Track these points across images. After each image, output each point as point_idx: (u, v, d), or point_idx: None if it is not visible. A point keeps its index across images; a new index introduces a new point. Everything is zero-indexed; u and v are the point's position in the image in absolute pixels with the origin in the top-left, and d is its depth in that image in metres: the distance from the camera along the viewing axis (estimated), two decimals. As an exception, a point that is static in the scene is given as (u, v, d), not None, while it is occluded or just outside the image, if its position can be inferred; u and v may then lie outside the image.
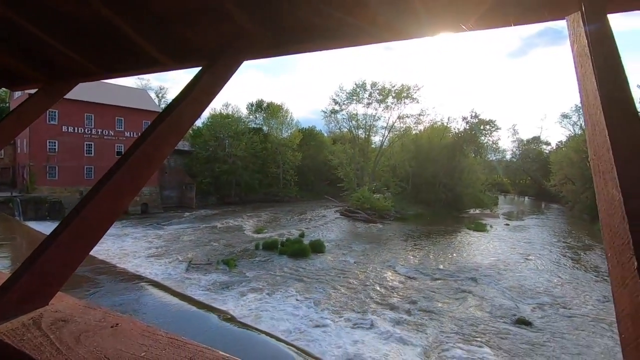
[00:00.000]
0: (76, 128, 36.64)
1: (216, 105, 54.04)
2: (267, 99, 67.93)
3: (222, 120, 49.34)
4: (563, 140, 66.10)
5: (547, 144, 78.14)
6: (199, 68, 1.42)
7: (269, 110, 56.53)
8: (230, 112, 52.40)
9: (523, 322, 14.36)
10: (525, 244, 29.58)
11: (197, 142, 47.74)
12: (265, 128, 56.04)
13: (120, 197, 1.08)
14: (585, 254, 26.49)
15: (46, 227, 22.60)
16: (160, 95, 66.33)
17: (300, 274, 19.27)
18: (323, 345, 11.80)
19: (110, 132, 39.00)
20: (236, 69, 1.44)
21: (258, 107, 57.89)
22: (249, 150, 49.09)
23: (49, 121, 34.53)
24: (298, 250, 22.97)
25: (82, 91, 34.44)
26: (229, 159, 47.07)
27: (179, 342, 0.80)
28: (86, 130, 37.43)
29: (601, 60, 0.72)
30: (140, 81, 62.38)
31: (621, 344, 0.50)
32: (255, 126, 55.64)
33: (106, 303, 12.24)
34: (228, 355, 0.75)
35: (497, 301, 16.64)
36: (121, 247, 23.69)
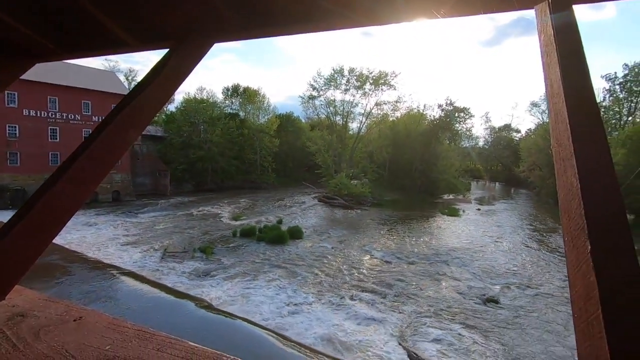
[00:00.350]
0: (39, 112, 34.50)
1: (190, 89, 52.36)
2: (244, 83, 66.47)
3: (197, 105, 47.85)
4: (532, 128, 68.65)
5: (518, 131, 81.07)
6: (167, 50, 1.36)
7: (245, 95, 55.22)
8: (205, 97, 50.90)
9: (492, 301, 15.15)
10: (495, 228, 30.91)
11: (170, 127, 46.20)
12: (241, 113, 54.85)
13: (83, 184, 1.02)
14: (550, 236, 28.03)
15: (8, 217, 21.48)
16: (130, 78, 63.25)
17: (278, 260, 19.35)
18: (301, 329, 12.01)
19: (77, 116, 37.01)
20: (206, 52, 1.39)
21: (234, 91, 56.45)
22: (225, 136, 48.03)
23: (8, 104, 32.31)
24: (276, 236, 22.98)
25: (44, 72, 32.34)
26: (205, 145, 45.96)
27: (146, 334, 0.78)
28: (50, 114, 35.31)
29: (565, 50, 0.74)
30: (107, 63, 59.13)
31: (574, 323, 0.53)
32: (231, 111, 54.35)
33: (76, 294, 11.87)
34: (197, 345, 0.73)
35: (468, 282, 17.41)
36: (92, 236, 22.90)
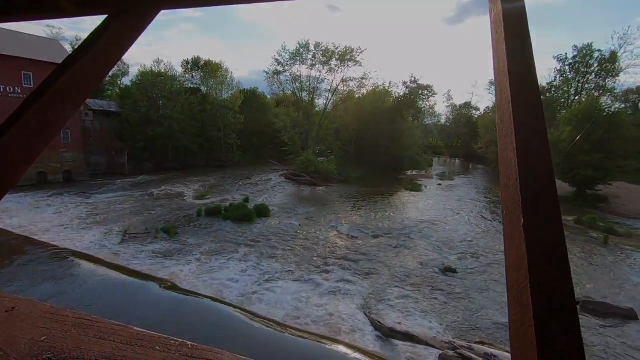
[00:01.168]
0: (-31, 83, 30.92)
1: (146, 61, 49.01)
2: (204, 56, 63.24)
3: (154, 79, 44.93)
4: (490, 106, 71.68)
5: (477, 109, 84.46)
6: (106, 16, 1.23)
7: (206, 68, 52.57)
8: (162, 70, 47.86)
9: (449, 270, 16.19)
10: (454, 201, 32.58)
11: (125, 102, 43.23)
12: (203, 88, 52.39)
13: (10, 165, 0.92)
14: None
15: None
16: (76, 46, 57.84)
17: (245, 239, 19.28)
18: (270, 304, 12.20)
19: (16, 88, 33.54)
20: (151, 19, 1.28)
21: (194, 64, 53.50)
22: (186, 112, 45.80)
23: None
24: (242, 214, 22.77)
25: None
26: (164, 121, 43.62)
27: (87, 322, 0.74)
28: (-16, 87, 31.79)
29: (511, 28, 0.75)
30: (50, 29, 53.63)
31: (507, 291, 0.57)
32: (192, 86, 51.73)
33: (24, 280, 11.19)
34: (142, 330, 0.71)
35: (428, 253, 18.40)
36: (42, 219, 21.43)
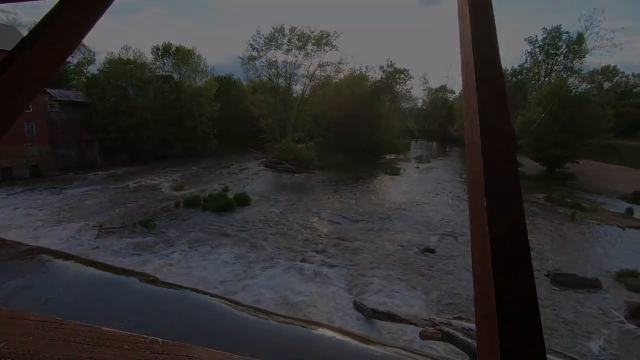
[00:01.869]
0: None
1: (114, 48, 46.71)
2: (175, 42, 60.76)
3: (123, 67, 42.95)
4: (465, 89, 72.58)
5: (452, 92, 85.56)
6: None
7: (178, 55, 50.62)
8: (132, 57, 45.75)
9: (429, 251, 16.68)
10: (432, 183, 33.34)
11: (93, 92, 41.21)
12: (175, 76, 50.56)
13: None
14: (478, 189, 30.97)
15: None
16: (34, 33, 54.21)
17: (226, 228, 19.12)
18: (254, 292, 12.25)
19: (-29, 80, 31.37)
20: (110, 3, 1.20)
21: (165, 51, 51.35)
22: (159, 101, 44.22)
23: None
24: (223, 204, 22.49)
25: None
26: (136, 111, 42.00)
27: (51, 324, 0.71)
28: None
29: (476, 11, 0.75)
30: (5, 15, 50.09)
31: (472, 271, 0.60)
32: (164, 74, 49.79)
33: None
34: (111, 329, 0.69)
35: (408, 235, 18.85)
36: (10, 217, 20.45)
